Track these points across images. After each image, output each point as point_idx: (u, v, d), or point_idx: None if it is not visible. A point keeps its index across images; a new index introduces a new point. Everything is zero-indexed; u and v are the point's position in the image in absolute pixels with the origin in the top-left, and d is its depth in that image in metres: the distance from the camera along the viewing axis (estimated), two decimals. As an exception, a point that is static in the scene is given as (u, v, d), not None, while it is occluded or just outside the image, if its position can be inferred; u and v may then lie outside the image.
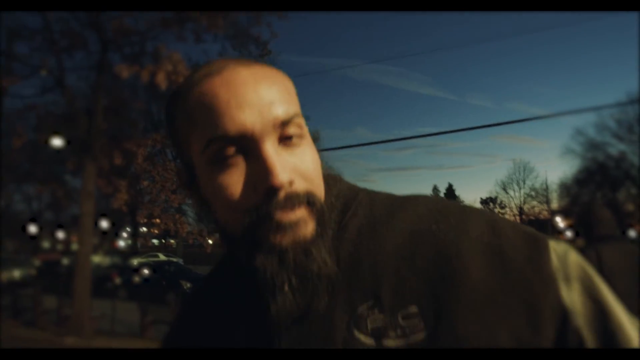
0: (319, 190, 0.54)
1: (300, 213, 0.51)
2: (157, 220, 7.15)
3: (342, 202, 0.59)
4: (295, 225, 0.51)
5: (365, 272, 0.53)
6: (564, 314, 0.47)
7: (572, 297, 0.48)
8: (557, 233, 44.85)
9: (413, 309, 0.49)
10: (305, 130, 0.56)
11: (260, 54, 6.37)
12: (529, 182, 48.51)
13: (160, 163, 6.88)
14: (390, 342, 0.49)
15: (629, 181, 42.80)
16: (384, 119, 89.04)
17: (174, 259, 23.88)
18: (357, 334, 0.50)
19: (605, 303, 0.49)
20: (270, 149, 0.50)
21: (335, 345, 0.50)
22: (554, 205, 47.99)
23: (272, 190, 0.49)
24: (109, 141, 6.00)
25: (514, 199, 48.76)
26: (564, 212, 48.23)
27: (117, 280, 14.76)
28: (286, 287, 0.51)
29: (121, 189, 6.09)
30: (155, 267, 16.05)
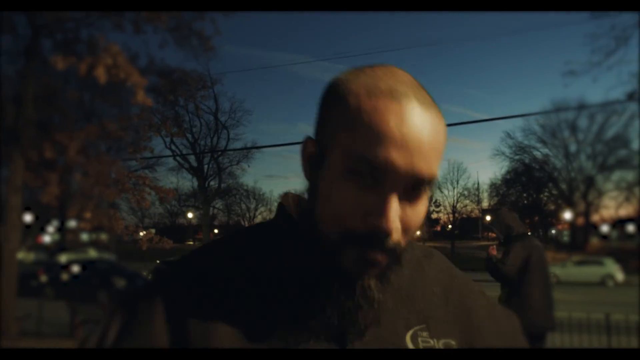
0: (407, 238, 0.58)
1: (383, 258, 0.55)
2: (89, 215, 6.85)
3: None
4: (373, 265, 0.55)
5: (419, 301, 0.65)
6: None
7: None
8: (486, 230, 47.35)
9: (451, 341, 0.63)
10: (434, 184, 0.57)
11: (202, 49, 6.27)
12: (462, 182, 50.71)
13: (94, 156, 6.59)
14: None
15: (552, 183, 45.99)
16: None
17: (107, 256, 22.87)
18: (411, 347, 0.60)
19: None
20: (396, 200, 0.53)
21: (398, 346, 0.60)
22: (485, 204, 50.49)
23: (377, 231, 0.53)
24: (38, 132, 5.67)
25: (447, 197, 50.90)
26: (493, 211, 50.99)
27: (43, 278, 13.93)
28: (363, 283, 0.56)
29: (51, 182, 5.77)
30: (85, 264, 15.30)
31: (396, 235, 0.54)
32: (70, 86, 6.48)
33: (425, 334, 0.62)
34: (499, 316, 0.72)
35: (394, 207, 0.53)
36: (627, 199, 41.49)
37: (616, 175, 41.84)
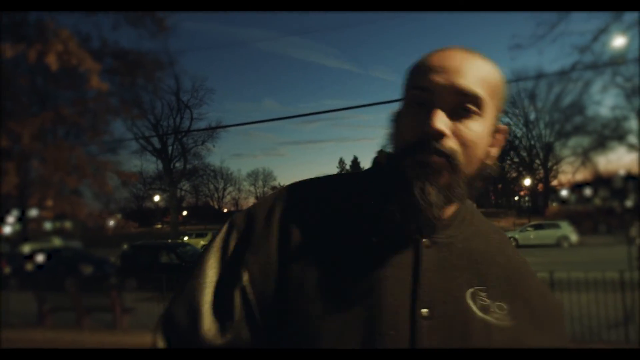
0: (468, 160, 0.68)
1: (437, 160, 0.66)
2: (50, 203, 6.77)
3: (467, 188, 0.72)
4: (427, 166, 0.66)
5: (480, 263, 0.72)
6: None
7: None
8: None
9: (504, 305, 0.69)
10: (488, 115, 0.70)
11: (157, 29, 6.16)
12: (427, 154, 51.87)
13: (52, 143, 6.49)
14: (490, 319, 0.68)
15: (513, 151, 47.39)
16: (292, 91, 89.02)
17: (72, 244, 22.43)
18: (471, 304, 0.68)
19: None
20: (440, 112, 0.65)
21: (459, 300, 0.68)
22: (449, 174, 51.53)
23: (425, 136, 0.65)
24: (-10, 120, 5.54)
25: (414, 169, 51.84)
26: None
27: (7, 269, 13.66)
28: (419, 194, 0.66)
29: (9, 171, 5.68)
30: (50, 253, 15.04)
31: (447, 141, 0.66)
32: (21, 71, 6.30)
33: (483, 294, 0.69)
34: (547, 295, 0.77)
35: (439, 116, 0.65)
36: (583, 164, 43.34)
37: (572, 141, 43.48)
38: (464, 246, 0.72)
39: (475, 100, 0.67)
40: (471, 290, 0.69)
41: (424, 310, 0.66)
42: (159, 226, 48.01)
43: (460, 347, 0.66)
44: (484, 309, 0.68)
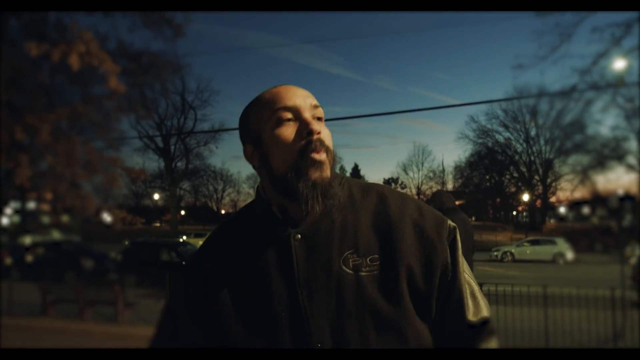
0: (330, 159, 0.90)
1: (324, 156, 0.87)
2: (49, 196, 6.93)
3: (339, 177, 0.96)
4: (322, 163, 0.87)
5: (350, 231, 0.89)
6: (447, 262, 0.89)
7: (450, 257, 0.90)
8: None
9: (375, 256, 0.87)
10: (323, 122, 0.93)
11: (173, 35, 6.38)
12: (427, 164, 51.99)
13: (65, 138, 6.68)
14: (362, 273, 0.86)
15: (513, 166, 47.62)
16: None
17: (71, 238, 22.52)
18: (345, 268, 0.86)
19: (460, 258, 0.92)
20: (309, 115, 0.88)
21: (332, 270, 0.86)
22: (449, 185, 51.74)
23: (311, 133, 0.86)
24: (9, 114, 5.72)
25: (413, 179, 52.00)
26: (457, 193, 52.42)
27: (8, 261, 13.80)
28: (315, 204, 0.86)
29: (23, 164, 5.87)
30: (51, 246, 15.20)
31: (321, 134, 0.88)
32: (39, 68, 6.50)
33: (354, 255, 0.87)
34: (427, 229, 0.90)
35: (310, 118, 0.88)
36: (582, 182, 43.53)
37: (572, 159, 43.68)
38: (332, 225, 0.89)
39: (320, 111, 0.92)
40: (342, 257, 0.87)
41: (304, 291, 0.85)
42: (157, 224, 48.09)
43: (338, 309, 0.84)
44: (356, 267, 0.86)
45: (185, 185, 46.87)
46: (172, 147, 38.57)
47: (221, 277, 0.91)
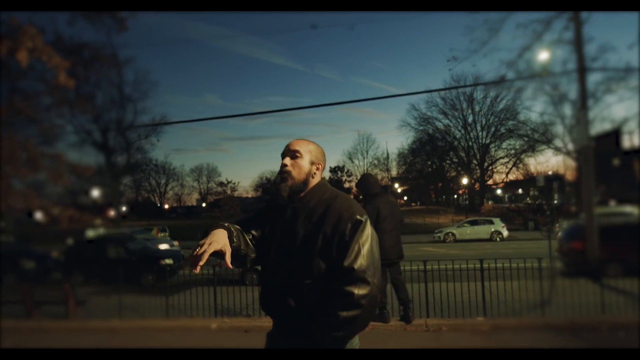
0: (299, 176, 1.88)
1: (287, 176, 1.88)
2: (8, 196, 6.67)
3: (314, 187, 1.92)
4: (285, 178, 1.87)
5: (311, 210, 1.82)
6: (344, 233, 1.73)
7: (347, 232, 1.74)
8: (397, 197, 50.19)
9: (313, 225, 1.78)
10: (305, 158, 1.90)
11: (116, 29, 6.26)
12: (371, 152, 53.33)
13: (5, 135, 6.45)
14: (309, 238, 1.75)
15: (452, 152, 49.67)
16: (236, 87, 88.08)
17: (5, 239, 21.26)
18: (300, 230, 1.79)
19: (354, 240, 1.73)
20: (288, 160, 1.90)
21: (296, 237, 1.78)
22: (394, 172, 53.17)
23: (282, 167, 1.89)
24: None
25: (358, 167, 53.08)
26: (401, 179, 54.01)
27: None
28: (284, 194, 1.87)
29: (-39, 163, 5.62)
30: (-17, 248, 14.37)
31: (289, 167, 1.88)
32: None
33: (309, 226, 1.78)
34: (344, 216, 1.74)
35: (287, 159, 1.90)
36: (515, 165, 46.23)
37: (506, 143, 46.22)
38: (306, 206, 1.83)
39: (297, 153, 1.90)
40: (304, 219, 1.79)
41: (282, 243, 1.82)
42: (98, 221, 46.16)
43: (290, 261, 1.76)
44: (303, 226, 1.78)
45: (127, 180, 45.26)
46: (112, 141, 37.10)
47: (268, 215, 1.95)
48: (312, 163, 1.89)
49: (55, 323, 7.14)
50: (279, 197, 1.85)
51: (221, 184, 43.82)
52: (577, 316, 6.50)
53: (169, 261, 11.79)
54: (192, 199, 64.00)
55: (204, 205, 57.11)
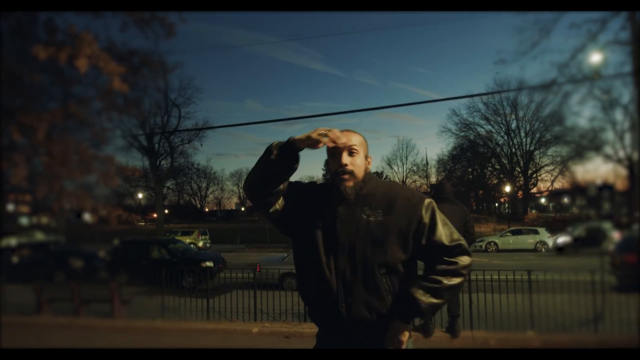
0: (359, 174, 1.80)
1: (349, 176, 1.77)
2: (41, 196, 6.93)
3: (367, 179, 1.83)
4: (346, 179, 1.77)
5: (372, 199, 1.78)
6: (421, 218, 1.75)
7: (425, 215, 1.77)
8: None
9: (380, 211, 1.75)
10: (362, 150, 1.82)
11: (165, 35, 6.42)
12: (411, 158, 52.62)
13: (58, 138, 6.71)
14: (372, 219, 1.74)
15: (494, 158, 48.37)
16: (275, 92, 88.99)
17: (56, 238, 22.24)
18: (364, 217, 1.75)
19: (436, 219, 1.78)
20: (347, 158, 1.79)
21: (359, 229, 1.73)
22: (433, 179, 52.28)
23: (340, 165, 1.78)
24: (4, 115, 5.74)
25: (397, 173, 52.47)
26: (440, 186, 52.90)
27: (-5, 262, 13.65)
28: (351, 196, 1.78)
29: (19, 164, 5.88)
30: (36, 247, 15.04)
31: (349, 166, 1.77)
32: (32, 69, 6.51)
33: (370, 211, 1.75)
34: (413, 202, 1.77)
35: (344, 156, 1.78)
36: (562, 173, 44.48)
37: (552, 150, 44.57)
38: (363, 198, 1.77)
39: (355, 145, 1.78)
40: (366, 209, 1.75)
41: (339, 236, 1.74)
42: (142, 224, 47.68)
43: (355, 235, 1.73)
44: (369, 216, 1.73)
45: (170, 183, 46.57)
46: (156, 145, 38.25)
47: (310, 199, 1.84)
48: (366, 157, 1.84)
49: (100, 321, 7.36)
50: (339, 197, 1.77)
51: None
52: (634, 334, 6.11)
53: (209, 264, 11.97)
54: (231, 203, 65.11)
55: (242, 209, 57.95)
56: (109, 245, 14.11)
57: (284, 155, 1.68)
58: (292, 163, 1.69)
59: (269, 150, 1.71)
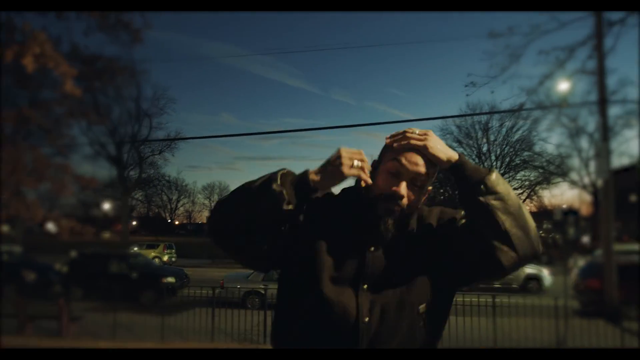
0: (411, 203, 1.24)
1: (397, 208, 1.21)
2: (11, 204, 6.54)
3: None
4: (391, 212, 1.21)
5: (409, 228, 1.27)
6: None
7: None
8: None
9: (435, 245, 1.26)
10: (427, 183, 1.26)
11: (130, 40, 6.21)
12: (384, 178, 52.80)
13: (10, 143, 6.36)
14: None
15: (465, 180, 49.19)
16: (251, 107, 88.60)
17: (12, 249, 21.21)
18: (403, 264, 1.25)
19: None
20: (404, 184, 1.21)
21: (389, 276, 1.21)
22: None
23: (396, 193, 1.20)
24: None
25: (370, 192, 52.67)
26: (412, 206, 53.43)
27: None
28: (389, 233, 1.21)
29: (-36, 170, 5.53)
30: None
31: (405, 200, 1.21)
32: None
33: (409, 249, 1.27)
34: (446, 216, 1.33)
35: (404, 185, 1.21)
36: (530, 197, 45.51)
37: (520, 174, 45.62)
38: (398, 242, 1.24)
39: (423, 178, 1.23)
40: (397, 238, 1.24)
41: (364, 285, 1.19)
42: (107, 235, 46.21)
43: (393, 284, 1.21)
44: (409, 247, 1.25)
45: (138, 194, 45.43)
46: (125, 155, 37.34)
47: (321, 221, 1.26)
48: (429, 186, 1.31)
49: (43, 341, 6.91)
50: (378, 229, 1.21)
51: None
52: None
53: (171, 279, 11.54)
54: (202, 217, 63.84)
55: (213, 223, 56.57)
56: (66, 258, 13.50)
57: (296, 193, 1.16)
58: (300, 209, 1.19)
59: (269, 181, 1.16)
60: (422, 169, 1.21)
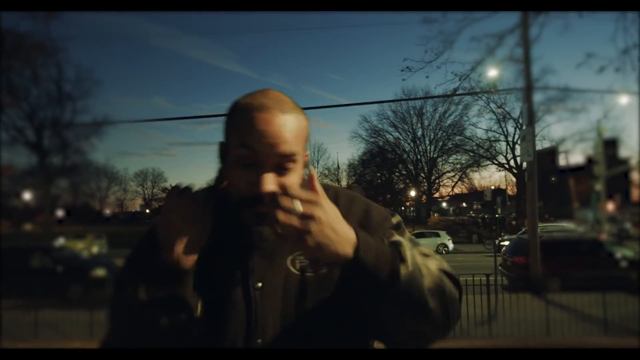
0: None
1: (269, 210, 0.76)
2: None
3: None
4: (263, 216, 0.80)
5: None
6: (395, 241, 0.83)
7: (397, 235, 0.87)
8: (344, 208, 50.19)
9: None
10: (300, 159, 0.86)
11: (44, 14, 5.62)
12: (322, 162, 53.09)
13: None
14: (307, 274, 0.88)
15: (401, 164, 50.61)
16: (185, 90, 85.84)
17: None
18: (291, 268, 0.89)
19: (408, 238, 0.93)
20: (271, 179, 0.81)
21: (281, 269, 0.88)
22: (344, 182, 53.45)
23: (260, 192, 0.81)
24: None
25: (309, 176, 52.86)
26: (350, 190, 54.21)
27: None
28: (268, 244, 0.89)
29: None
30: None
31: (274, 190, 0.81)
32: None
33: (301, 257, 0.89)
34: (375, 220, 0.97)
35: (268, 178, 0.81)
36: (461, 179, 47.70)
37: (452, 158, 47.64)
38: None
39: (292, 157, 0.84)
40: (290, 257, 0.90)
41: (259, 284, 0.88)
42: (29, 227, 43.16)
43: (283, 305, 0.87)
44: (302, 269, 0.89)
45: (63, 183, 42.66)
46: (46, 141, 34.78)
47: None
48: (304, 159, 0.91)
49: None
50: (258, 238, 0.90)
51: (165, 189, 42.18)
52: (524, 337, 6.44)
53: (100, 272, 10.91)
54: (135, 205, 61.43)
55: (147, 211, 54.85)
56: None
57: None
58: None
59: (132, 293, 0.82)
60: (285, 147, 0.82)
